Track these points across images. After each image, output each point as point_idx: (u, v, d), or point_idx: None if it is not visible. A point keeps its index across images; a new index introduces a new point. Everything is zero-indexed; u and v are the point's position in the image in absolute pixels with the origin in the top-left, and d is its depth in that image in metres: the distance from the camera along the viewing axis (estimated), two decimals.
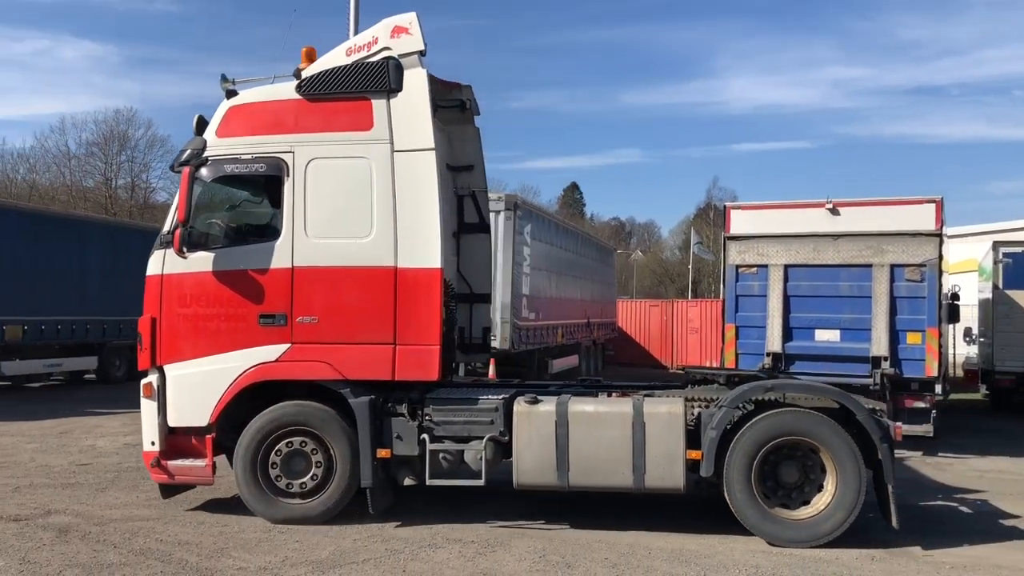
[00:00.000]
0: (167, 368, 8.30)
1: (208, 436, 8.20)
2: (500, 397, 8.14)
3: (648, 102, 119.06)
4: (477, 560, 7.05)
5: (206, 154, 8.29)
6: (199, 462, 8.23)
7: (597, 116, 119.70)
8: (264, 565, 6.84)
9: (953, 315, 16.03)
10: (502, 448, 8.03)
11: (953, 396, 17.79)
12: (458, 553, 7.23)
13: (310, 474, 8.13)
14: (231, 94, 8.49)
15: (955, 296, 16.85)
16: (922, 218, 12.78)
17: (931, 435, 12.78)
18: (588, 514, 8.46)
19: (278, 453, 8.15)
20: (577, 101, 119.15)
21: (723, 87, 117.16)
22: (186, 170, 8.18)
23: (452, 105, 9.36)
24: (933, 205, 12.76)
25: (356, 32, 16.01)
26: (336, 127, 8.27)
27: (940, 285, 12.82)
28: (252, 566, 6.83)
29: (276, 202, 8.33)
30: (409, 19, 8.33)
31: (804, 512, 7.59)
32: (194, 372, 8.22)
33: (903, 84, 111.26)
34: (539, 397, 8.06)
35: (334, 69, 8.29)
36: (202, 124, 8.49)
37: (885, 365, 12.50)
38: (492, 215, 17.24)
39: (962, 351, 20.82)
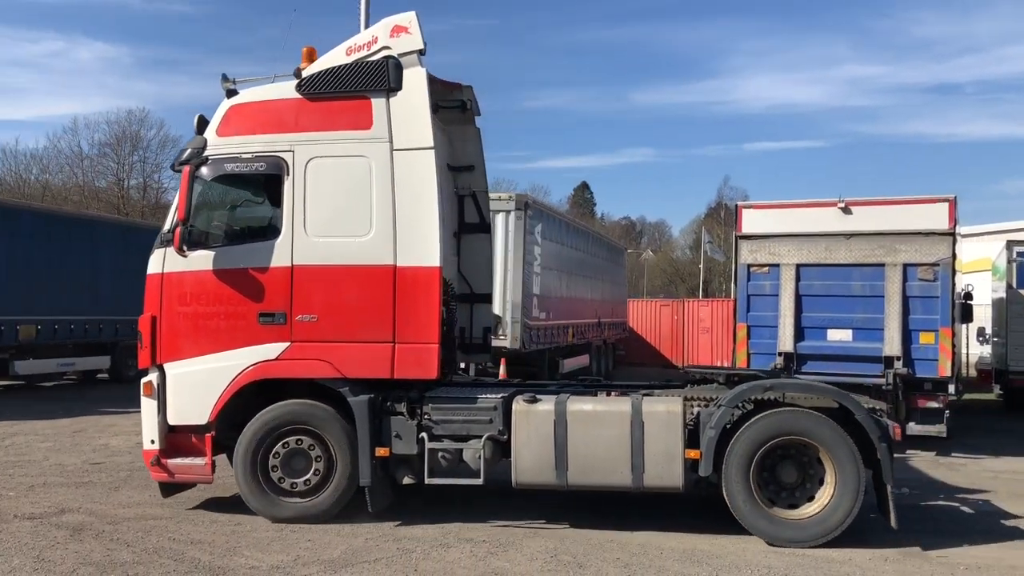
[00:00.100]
0: (167, 366, 8.34)
1: (208, 434, 8.22)
2: (499, 396, 8.15)
3: (660, 101, 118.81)
4: (488, 559, 7.05)
5: (206, 153, 8.32)
6: (199, 460, 8.26)
7: (608, 115, 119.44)
8: (276, 564, 6.87)
9: (966, 315, 15.96)
10: (501, 447, 8.04)
11: (967, 396, 17.71)
12: (469, 552, 7.24)
13: (310, 473, 8.14)
14: (231, 93, 8.53)
15: (968, 296, 16.77)
16: (935, 217, 12.73)
17: (944, 435, 12.74)
18: (599, 514, 8.46)
19: (278, 452, 8.16)
20: (588, 100, 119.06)
21: (736, 86, 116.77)
22: (186, 169, 8.23)
23: (453, 105, 9.41)
24: (946, 204, 12.70)
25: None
26: (336, 126, 8.30)
27: (953, 284, 12.77)
28: (264, 565, 6.85)
29: (276, 201, 8.35)
30: (408, 18, 8.35)
31: (803, 512, 7.57)
32: (194, 370, 8.24)
33: (920, 82, 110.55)
34: (538, 396, 8.07)
35: (334, 68, 8.32)
36: (203, 123, 8.53)
37: (898, 365, 12.47)
38: (503, 215, 17.48)
39: (975, 351, 20.70)
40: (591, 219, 75.62)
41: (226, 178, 8.47)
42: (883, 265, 12.78)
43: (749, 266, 13.60)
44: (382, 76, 8.20)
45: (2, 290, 18.95)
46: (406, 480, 8.22)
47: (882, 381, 12.35)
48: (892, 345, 12.58)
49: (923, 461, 12.24)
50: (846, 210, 13.21)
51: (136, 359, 8.67)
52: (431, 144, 8.14)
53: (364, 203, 8.15)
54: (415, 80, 8.24)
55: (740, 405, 7.77)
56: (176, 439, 8.33)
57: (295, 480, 8.15)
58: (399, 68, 8.21)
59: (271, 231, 8.33)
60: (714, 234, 55.28)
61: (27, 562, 6.83)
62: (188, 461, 8.29)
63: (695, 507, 8.55)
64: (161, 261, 8.40)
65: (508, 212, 17.49)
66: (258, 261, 8.24)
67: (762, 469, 7.63)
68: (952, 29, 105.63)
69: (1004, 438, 14.74)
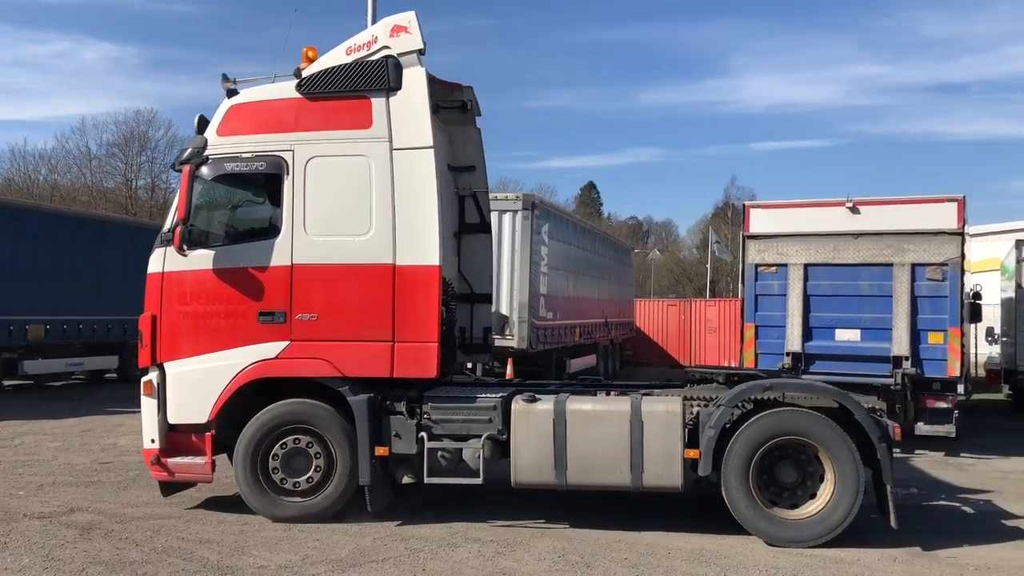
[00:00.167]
0: (167, 365, 8.36)
1: (208, 433, 8.24)
2: (498, 396, 8.15)
3: (666, 101, 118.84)
4: (496, 559, 7.05)
5: (207, 153, 8.35)
6: (199, 459, 8.27)
7: (613, 115, 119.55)
8: (284, 563, 6.88)
9: (975, 314, 15.91)
10: (500, 446, 8.05)
11: (975, 396, 17.64)
12: (477, 552, 7.24)
13: (310, 472, 8.15)
14: (232, 93, 8.55)
15: (977, 295, 16.71)
16: (943, 217, 12.68)
17: (953, 435, 12.70)
18: (607, 514, 8.45)
19: (278, 452, 8.18)
20: (593, 100, 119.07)
21: (741, 86, 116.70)
22: (187, 168, 8.25)
23: (453, 106, 9.43)
24: (955, 204, 12.66)
25: None
26: (336, 125, 8.31)
27: (962, 284, 12.73)
28: (273, 564, 6.86)
29: (276, 200, 8.36)
30: (408, 18, 8.36)
31: (802, 512, 7.56)
32: (194, 369, 8.26)
33: (923, 81, 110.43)
34: (537, 396, 8.07)
35: (334, 68, 8.33)
36: (203, 123, 8.55)
37: (906, 365, 12.45)
38: (510, 215, 17.49)
39: (984, 351, 20.63)
40: (598, 219, 75.55)
41: (226, 177, 8.49)
42: (891, 265, 12.74)
43: (757, 266, 13.57)
44: (382, 76, 8.21)
45: (11, 290, 19.04)
46: (405, 479, 8.22)
47: (891, 381, 12.41)
48: (900, 345, 12.54)
49: (932, 461, 12.20)
50: (854, 210, 13.18)
51: None
52: (430, 143, 8.15)
53: (364, 202, 8.16)
54: (415, 79, 8.24)
55: (740, 405, 7.77)
56: (176, 438, 8.34)
57: (295, 479, 8.16)
58: (399, 68, 8.22)
59: (271, 230, 8.35)
60: (721, 234, 55.23)
61: (37, 561, 6.85)
62: (188, 460, 8.31)
63: (702, 507, 8.54)
64: (161, 260, 8.43)
65: (515, 212, 17.49)
66: (258, 260, 8.25)
67: (761, 469, 7.63)
68: (955, 28, 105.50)
69: (1013, 438, 14.68)
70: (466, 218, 9.72)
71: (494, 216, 17.35)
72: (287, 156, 8.28)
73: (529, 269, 17.38)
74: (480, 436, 7.96)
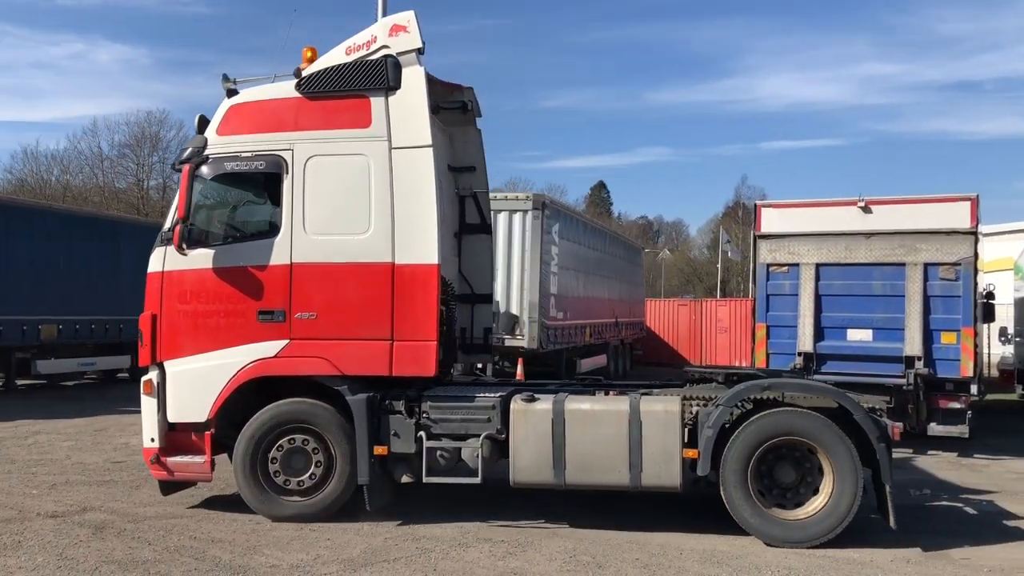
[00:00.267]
0: (167, 364, 8.38)
1: (207, 432, 8.25)
2: (497, 395, 8.16)
3: (676, 100, 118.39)
4: (508, 559, 7.05)
5: (207, 152, 8.38)
6: (198, 459, 8.29)
7: (624, 114, 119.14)
8: (297, 563, 6.89)
9: (988, 314, 15.80)
10: (499, 446, 8.05)
11: (989, 397, 17.54)
12: (488, 552, 7.24)
13: (310, 471, 8.16)
14: (232, 93, 8.57)
15: (990, 295, 16.60)
16: (957, 216, 12.61)
17: (966, 436, 12.62)
18: (618, 514, 8.43)
19: (278, 450, 8.19)
20: (604, 100, 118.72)
21: (753, 85, 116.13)
22: (186, 168, 8.29)
23: (454, 107, 9.47)
24: (968, 203, 12.59)
25: None
26: (335, 125, 8.33)
27: (975, 284, 12.65)
28: (285, 564, 6.87)
29: (275, 199, 8.38)
30: (407, 17, 8.38)
31: (801, 512, 7.54)
32: (193, 368, 8.28)
33: (940, 80, 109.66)
34: (536, 395, 8.07)
35: (333, 67, 8.35)
36: (204, 123, 8.59)
37: (919, 365, 12.39)
38: (520, 214, 17.51)
39: (997, 351, 20.50)
40: (608, 218, 75.49)
41: (226, 177, 8.52)
42: (904, 264, 12.68)
43: (768, 265, 13.53)
44: (381, 75, 8.22)
45: (24, 290, 19.17)
46: (404, 479, 8.23)
47: (903, 381, 12.37)
48: (913, 345, 12.48)
49: (944, 462, 12.14)
50: (866, 209, 13.12)
51: None
52: (429, 142, 8.15)
53: (363, 201, 8.18)
54: (414, 79, 8.25)
55: (739, 404, 7.75)
56: (176, 437, 8.37)
57: (295, 479, 8.17)
58: (398, 67, 8.23)
59: (270, 229, 8.37)
60: (732, 233, 55.07)
61: (50, 560, 6.89)
62: (188, 459, 8.33)
63: (713, 508, 8.50)
64: (161, 259, 8.46)
65: (525, 212, 17.51)
66: (257, 259, 8.27)
67: (760, 469, 7.61)
68: (972, 26, 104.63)
69: None
70: (466, 218, 9.76)
71: (504, 216, 17.52)
72: (286, 155, 8.30)
73: (539, 269, 17.39)
74: (479, 436, 7.97)
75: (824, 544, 7.38)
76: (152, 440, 8.34)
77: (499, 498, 8.72)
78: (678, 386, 8.68)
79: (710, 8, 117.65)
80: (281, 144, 8.33)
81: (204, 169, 8.37)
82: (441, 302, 8.34)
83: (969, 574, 6.86)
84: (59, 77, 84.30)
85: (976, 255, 12.56)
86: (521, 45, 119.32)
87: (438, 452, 8.01)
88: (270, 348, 8.20)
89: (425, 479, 8.03)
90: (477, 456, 7.92)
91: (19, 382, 20.29)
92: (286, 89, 8.45)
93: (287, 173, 8.28)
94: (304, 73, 8.39)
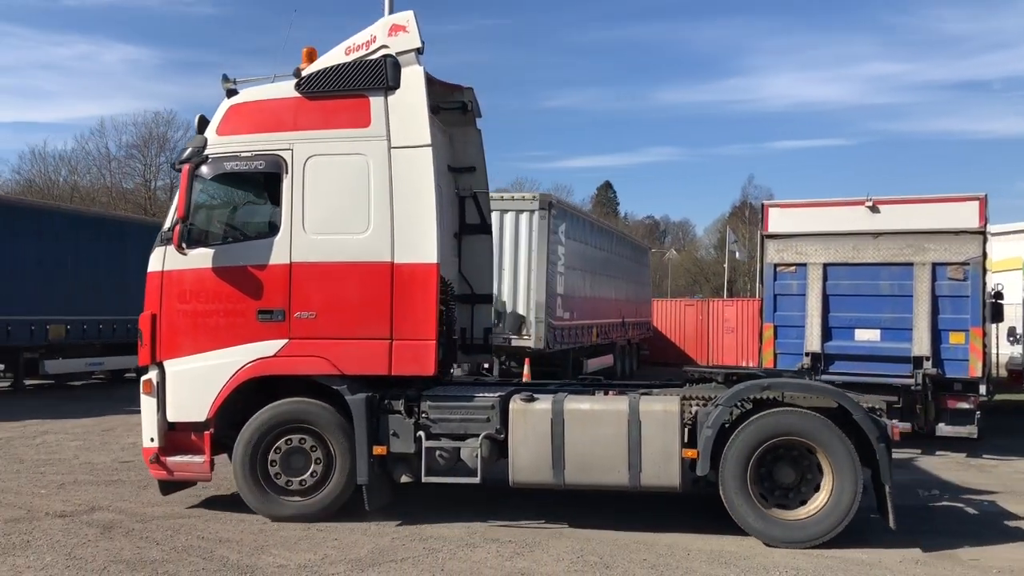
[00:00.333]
0: (167, 364, 8.39)
1: (207, 432, 8.25)
2: (496, 395, 8.15)
3: (682, 100, 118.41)
4: (515, 560, 7.04)
5: (206, 152, 8.38)
6: (197, 458, 8.29)
7: (628, 115, 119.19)
8: (304, 563, 6.89)
9: (997, 314, 15.75)
10: (498, 446, 8.04)
11: (998, 397, 17.46)
12: (496, 552, 7.23)
13: (309, 471, 8.16)
14: (231, 93, 8.58)
15: (999, 295, 16.55)
16: (965, 216, 12.56)
17: (975, 437, 12.58)
18: (625, 515, 8.42)
19: (277, 450, 8.19)
20: (607, 99, 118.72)
21: (758, 84, 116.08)
22: (186, 168, 8.29)
23: (454, 107, 9.47)
24: (977, 202, 12.54)
25: None
26: (334, 124, 8.33)
27: (984, 284, 12.59)
28: (292, 564, 6.88)
29: (275, 199, 8.40)
30: (406, 17, 8.39)
31: (800, 512, 7.52)
32: (193, 367, 8.29)
33: (946, 79, 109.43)
34: (535, 395, 8.06)
35: (333, 67, 8.35)
36: (203, 123, 8.60)
37: (927, 365, 12.35)
38: (527, 214, 17.49)
39: (1005, 351, 20.41)
40: (614, 218, 75.44)
41: (225, 176, 8.54)
42: (912, 264, 12.64)
43: (776, 265, 13.50)
44: (380, 75, 8.23)
45: (32, 290, 19.24)
46: (404, 478, 8.23)
47: (911, 382, 12.33)
48: (921, 345, 12.44)
49: (953, 463, 12.09)
50: (874, 209, 13.08)
51: None
52: (428, 142, 8.15)
53: (362, 200, 8.18)
54: (413, 78, 8.25)
55: (739, 404, 7.74)
56: (175, 437, 8.38)
57: (294, 479, 8.17)
58: (397, 67, 8.23)
59: (270, 229, 8.38)
60: (739, 233, 54.97)
61: (59, 559, 6.90)
62: (187, 459, 8.33)
63: (717, 508, 8.49)
64: (161, 259, 8.47)
65: (532, 212, 17.49)
66: (257, 259, 8.28)
67: (759, 469, 7.60)
68: (978, 25, 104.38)
69: None
70: (467, 219, 9.77)
71: (511, 216, 17.51)
72: (286, 155, 8.30)
73: (546, 269, 17.38)
74: (478, 435, 7.97)
75: (824, 544, 7.36)
76: (152, 440, 8.35)
77: (507, 498, 8.71)
78: (678, 386, 8.67)
79: (709, 8, 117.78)
80: (280, 144, 8.33)
81: (204, 169, 8.37)
82: (441, 302, 8.34)
83: (977, 575, 6.83)
84: (66, 78, 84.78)
85: (984, 255, 12.51)
86: (522, 45, 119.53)
87: (437, 452, 8.01)
88: (269, 347, 8.20)
89: (424, 479, 8.03)
90: (476, 456, 7.91)
91: (27, 382, 20.36)
92: (286, 89, 8.45)
93: (286, 173, 8.29)
94: (304, 73, 8.40)
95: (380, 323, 8.08)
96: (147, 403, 8.39)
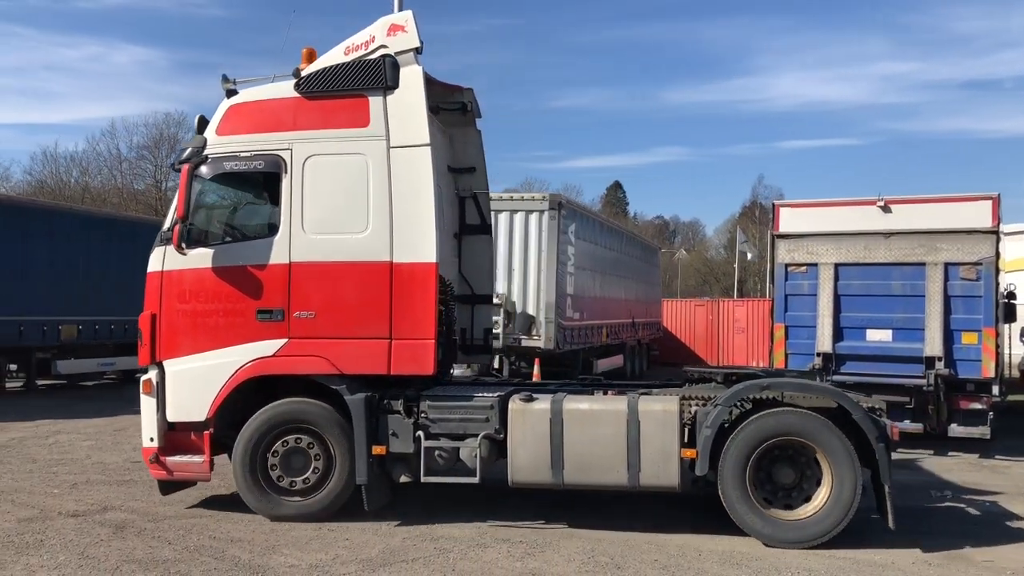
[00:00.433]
0: (166, 363, 8.40)
1: (206, 432, 8.26)
2: (496, 395, 8.15)
3: (692, 100, 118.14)
4: (526, 560, 7.04)
5: (206, 152, 8.40)
6: (197, 458, 8.31)
7: (640, 114, 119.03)
8: (315, 563, 6.91)
9: (1010, 314, 15.63)
10: (497, 446, 8.04)
11: (1011, 398, 17.35)
12: (507, 553, 7.23)
13: (309, 471, 8.17)
14: (231, 93, 8.59)
15: (1011, 295, 16.44)
16: (978, 215, 12.49)
17: (988, 437, 12.51)
18: (637, 515, 8.41)
19: (277, 451, 8.20)
20: (619, 100, 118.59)
21: (767, 84, 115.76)
22: (186, 167, 8.32)
23: (454, 108, 9.49)
24: (990, 202, 12.47)
25: None
26: (334, 124, 8.34)
27: (996, 284, 12.52)
28: (303, 564, 6.89)
29: (274, 199, 8.41)
30: (405, 17, 8.41)
31: (799, 512, 7.50)
32: (193, 367, 8.30)
33: (957, 78, 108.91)
34: (534, 395, 8.06)
35: (332, 67, 8.37)
36: (203, 123, 8.62)
37: (939, 366, 12.29)
38: (536, 214, 17.50)
39: (1018, 351, 20.28)
40: (624, 219, 75.34)
41: (225, 176, 8.56)
42: (924, 264, 12.57)
43: (787, 265, 13.45)
44: (379, 74, 8.24)
45: (44, 291, 19.33)
46: (403, 478, 8.24)
47: (923, 382, 12.27)
48: (933, 345, 12.38)
49: (966, 463, 12.03)
50: (886, 208, 13.02)
51: None
52: (427, 141, 8.16)
53: (361, 200, 8.19)
54: (412, 78, 8.26)
55: (738, 404, 7.72)
56: (175, 437, 8.39)
57: (294, 479, 8.18)
58: (396, 66, 8.24)
59: (269, 229, 8.40)
60: (749, 233, 54.86)
61: (72, 559, 6.94)
62: (187, 459, 8.35)
63: (719, 508, 8.47)
64: (161, 259, 8.49)
65: (542, 212, 17.49)
66: (256, 258, 8.29)
67: (759, 469, 7.58)
68: (986, 24, 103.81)
69: None
70: (467, 219, 9.79)
71: (520, 216, 17.53)
72: (285, 155, 8.32)
73: (556, 269, 17.38)
74: (477, 435, 7.97)
75: (824, 545, 7.34)
76: (151, 439, 8.37)
77: (517, 499, 8.71)
78: (677, 386, 8.66)
79: (714, 8, 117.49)
80: (280, 144, 8.35)
81: (203, 169, 8.40)
82: (440, 302, 8.35)
83: None
84: (77, 80, 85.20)
85: (997, 254, 12.44)
86: (529, 45, 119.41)
87: (436, 452, 8.01)
88: (269, 347, 8.22)
89: (423, 479, 8.03)
90: (475, 456, 7.92)
91: (40, 382, 20.45)
92: (285, 89, 8.47)
93: (286, 172, 8.30)
94: (303, 73, 8.42)
95: (379, 323, 8.09)
96: (147, 403, 8.42)
